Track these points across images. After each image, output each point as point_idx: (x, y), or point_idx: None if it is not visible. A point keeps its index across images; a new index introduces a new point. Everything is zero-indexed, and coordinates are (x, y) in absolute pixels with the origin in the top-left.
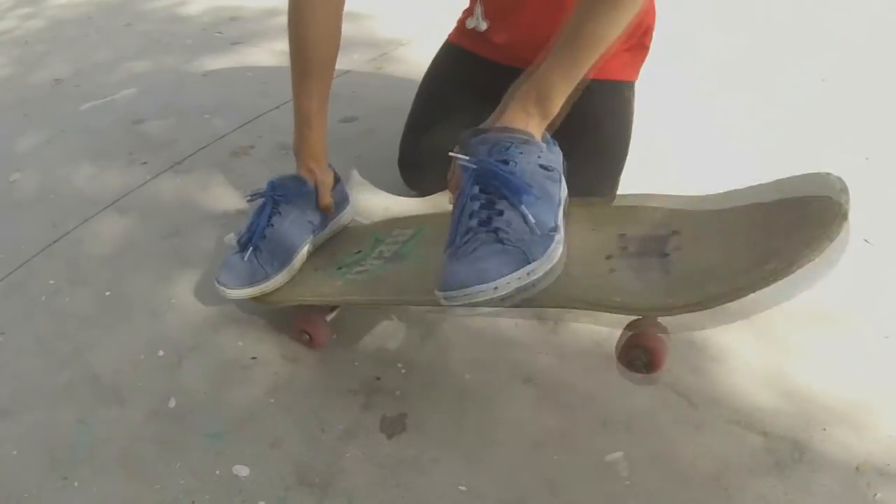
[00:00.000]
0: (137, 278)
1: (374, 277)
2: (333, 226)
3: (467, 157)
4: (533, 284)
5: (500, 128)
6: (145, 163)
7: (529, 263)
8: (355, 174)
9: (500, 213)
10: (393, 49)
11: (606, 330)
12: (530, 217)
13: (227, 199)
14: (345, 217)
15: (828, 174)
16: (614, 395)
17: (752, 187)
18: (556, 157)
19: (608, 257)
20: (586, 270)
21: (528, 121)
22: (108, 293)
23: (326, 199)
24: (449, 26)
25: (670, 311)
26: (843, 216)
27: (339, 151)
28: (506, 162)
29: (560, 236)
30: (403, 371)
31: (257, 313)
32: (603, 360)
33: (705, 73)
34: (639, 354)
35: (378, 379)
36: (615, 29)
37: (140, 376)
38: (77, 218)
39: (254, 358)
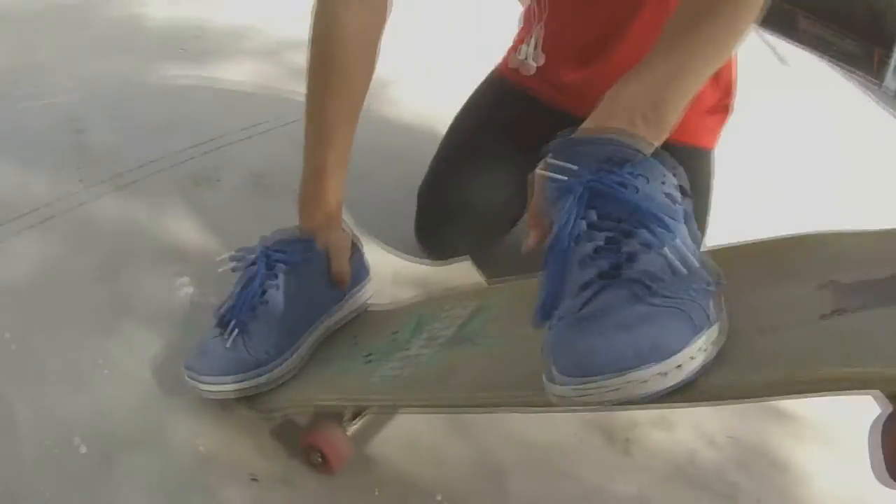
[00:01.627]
0: (57, 328)
1: (430, 369)
2: (351, 305)
3: (572, 168)
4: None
5: (611, 135)
6: (82, 180)
7: (701, 331)
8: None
9: (632, 256)
10: (381, 88)
11: (686, 448)
12: (678, 263)
13: (184, 233)
14: (365, 294)
15: None
16: None
17: None
18: (679, 182)
19: (823, 316)
20: (792, 332)
21: (642, 132)
22: (13, 345)
23: (343, 266)
24: (446, 67)
25: None
26: None
27: None
28: (623, 185)
29: (714, 290)
30: None
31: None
32: (690, 488)
33: None
34: None
35: None
36: (732, 36)
37: (48, 482)
38: None
39: (253, 476)
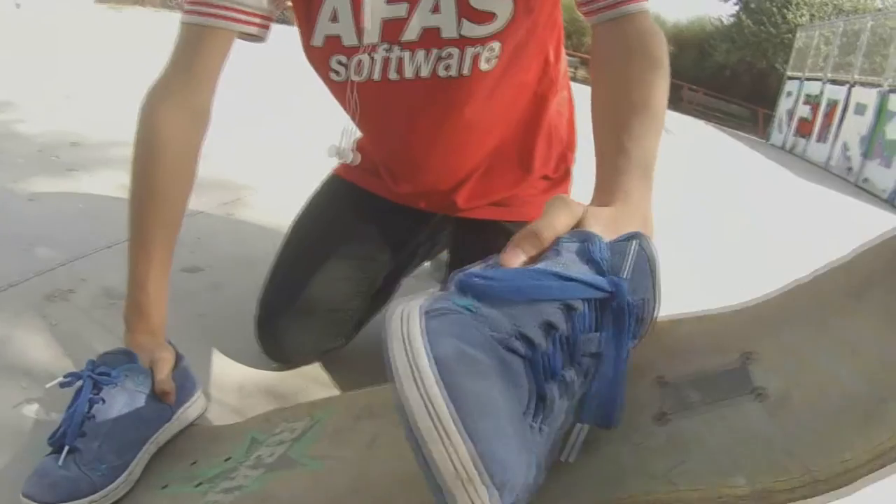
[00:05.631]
0: None
1: (249, 496)
2: (180, 421)
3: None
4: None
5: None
6: None
7: None
8: (199, 337)
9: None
10: (247, 194)
11: None
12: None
13: (33, 354)
14: (194, 409)
15: None
16: None
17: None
18: None
19: (659, 418)
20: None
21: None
22: None
23: (166, 382)
24: (309, 175)
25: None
26: None
27: (179, 307)
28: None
29: None
30: None
31: None
32: None
33: None
34: None
35: None
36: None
37: None
38: None
39: None
